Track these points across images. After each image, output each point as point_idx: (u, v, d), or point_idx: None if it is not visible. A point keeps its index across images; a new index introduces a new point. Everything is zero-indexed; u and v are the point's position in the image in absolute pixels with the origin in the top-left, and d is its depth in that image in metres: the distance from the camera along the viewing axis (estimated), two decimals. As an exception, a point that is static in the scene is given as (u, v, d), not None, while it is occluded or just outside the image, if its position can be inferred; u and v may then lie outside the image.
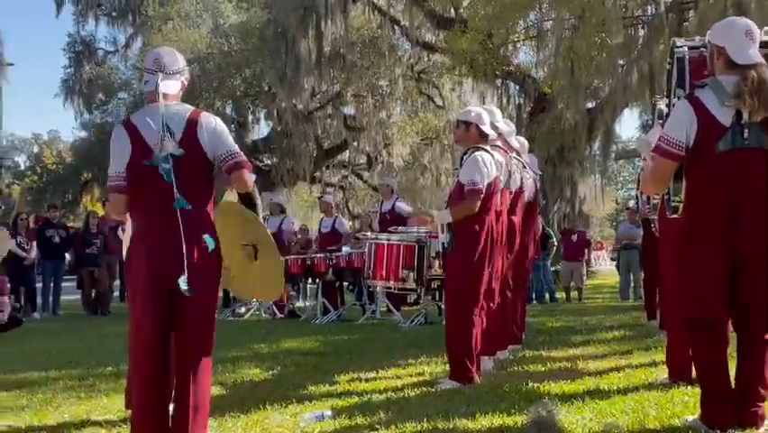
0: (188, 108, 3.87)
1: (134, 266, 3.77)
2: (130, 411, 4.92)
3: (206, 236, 3.74)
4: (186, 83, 3.99)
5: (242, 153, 3.89)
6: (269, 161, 26.98)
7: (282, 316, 12.56)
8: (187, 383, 3.68)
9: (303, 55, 20.02)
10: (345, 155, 28.63)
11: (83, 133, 30.55)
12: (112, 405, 5.46)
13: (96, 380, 6.60)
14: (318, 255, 12.07)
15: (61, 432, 4.71)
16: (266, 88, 24.15)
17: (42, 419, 5.10)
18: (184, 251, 3.62)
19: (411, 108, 26.11)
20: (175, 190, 3.66)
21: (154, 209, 3.74)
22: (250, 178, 3.92)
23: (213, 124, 3.84)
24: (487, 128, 5.92)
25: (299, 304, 14.14)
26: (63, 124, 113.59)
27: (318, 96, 24.91)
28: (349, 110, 25.61)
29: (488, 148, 5.88)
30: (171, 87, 3.88)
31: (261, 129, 27.56)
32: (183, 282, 3.60)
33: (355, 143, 26.49)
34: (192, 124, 3.78)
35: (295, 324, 11.60)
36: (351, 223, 21.87)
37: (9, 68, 25.56)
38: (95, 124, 29.10)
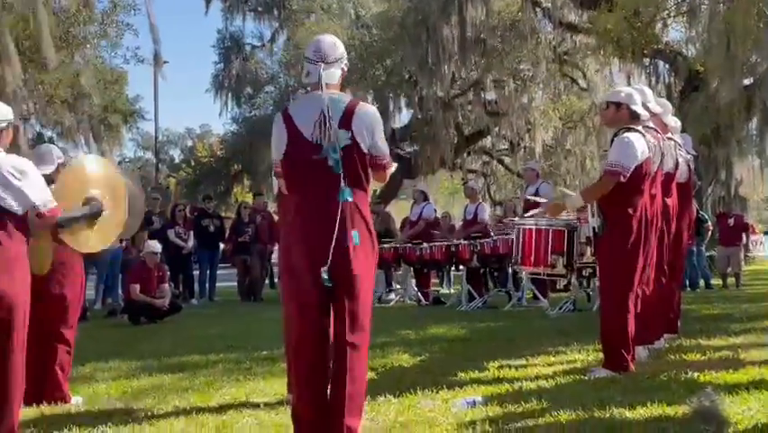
0: (347, 98, 3.90)
1: (294, 254, 3.83)
2: (289, 395, 5.11)
3: (354, 232, 3.76)
4: (345, 70, 4.02)
5: (387, 153, 3.92)
6: (409, 149, 27.12)
7: (427, 303, 12.63)
8: (344, 369, 3.74)
9: (444, 41, 20.00)
10: (486, 141, 28.40)
11: (233, 127, 31.73)
12: (269, 388, 5.65)
13: (252, 363, 6.85)
14: (462, 242, 12.03)
15: (224, 413, 4.89)
16: (407, 77, 24.27)
17: (206, 400, 5.34)
18: (347, 241, 3.66)
19: (554, 92, 25.56)
20: (341, 181, 3.70)
21: (314, 200, 3.78)
22: (387, 177, 3.99)
23: (369, 116, 3.85)
24: (638, 108, 5.72)
25: (444, 291, 14.17)
26: (214, 119, 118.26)
27: (459, 82, 24.79)
28: (490, 95, 25.35)
29: (639, 128, 5.68)
30: (332, 76, 3.92)
31: (402, 117, 27.74)
32: (325, 273, 3.66)
33: (496, 129, 26.20)
34: (349, 114, 3.80)
35: (440, 311, 11.63)
36: (493, 209, 21.65)
37: (165, 65, 26.79)
38: (243, 117, 30.15)
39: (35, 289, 4.16)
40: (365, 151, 3.82)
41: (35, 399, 5.19)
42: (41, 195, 4.10)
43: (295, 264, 3.82)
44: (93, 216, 4.71)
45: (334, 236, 3.69)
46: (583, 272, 9.46)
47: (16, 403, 3.96)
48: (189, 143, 49.73)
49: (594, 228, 5.81)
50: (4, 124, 4.14)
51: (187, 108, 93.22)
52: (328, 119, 3.76)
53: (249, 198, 23.94)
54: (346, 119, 3.79)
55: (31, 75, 18.49)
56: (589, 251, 8.46)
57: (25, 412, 4.77)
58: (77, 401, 5.49)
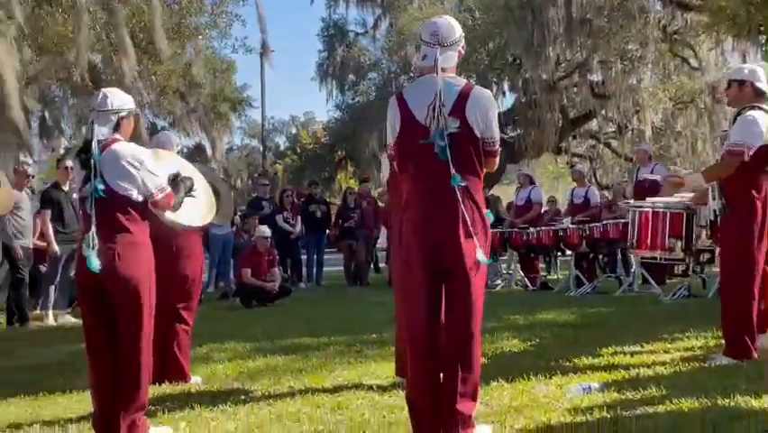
0: (462, 82, 3.84)
1: (406, 239, 3.82)
2: (398, 378, 5.15)
3: (486, 212, 3.75)
4: (463, 52, 3.97)
5: (498, 139, 3.87)
6: (513, 133, 26.79)
7: (534, 288, 12.49)
8: (458, 354, 3.72)
9: (549, 23, 19.64)
10: (593, 124, 27.75)
11: (336, 114, 32.03)
12: (381, 371, 5.71)
13: (362, 346, 6.93)
14: (571, 226, 11.82)
15: (338, 394, 4.97)
16: (510, 60, 23.96)
17: (320, 382, 5.44)
18: (460, 227, 3.65)
19: (663, 72, 24.74)
20: (451, 167, 3.67)
21: (425, 184, 3.76)
22: (496, 165, 3.95)
23: (482, 101, 3.79)
24: (763, 85, 5.47)
25: (551, 276, 13.98)
26: (317, 106, 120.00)
27: (564, 64, 24.31)
28: (596, 77, 24.75)
29: (764, 106, 5.44)
30: (449, 59, 3.87)
31: (505, 101, 27.41)
32: (480, 254, 3.64)
33: (603, 111, 25.57)
34: (463, 99, 3.75)
35: (548, 296, 11.48)
36: (601, 193, 21.16)
37: (271, 54, 27.31)
38: (347, 104, 30.38)
39: (158, 272, 4.30)
40: (478, 136, 3.76)
41: (158, 378, 5.39)
42: (157, 182, 4.22)
43: (407, 249, 3.81)
44: (189, 191, 4.81)
45: (451, 223, 3.67)
46: (702, 256, 9.13)
47: (146, 381, 4.12)
48: (294, 131, 50.46)
49: (715, 211, 5.61)
50: (124, 113, 4.27)
51: (291, 96, 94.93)
52: (440, 104, 3.72)
53: (353, 184, 24.17)
54: (458, 105, 3.74)
55: (144, 66, 19.13)
56: (704, 234, 8.18)
57: (150, 391, 4.96)
58: (196, 381, 5.68)
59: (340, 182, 33.78)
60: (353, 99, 30.25)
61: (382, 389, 5.08)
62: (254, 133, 45.39)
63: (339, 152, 32.36)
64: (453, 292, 3.74)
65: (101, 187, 4.02)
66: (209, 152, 25.15)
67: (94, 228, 4.03)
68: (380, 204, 16.18)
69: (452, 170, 3.67)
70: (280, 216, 14.54)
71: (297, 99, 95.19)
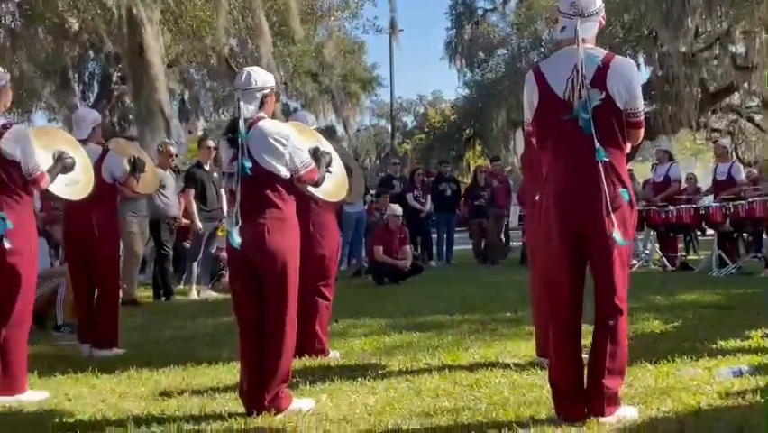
0: (602, 52, 3.71)
1: (545, 216, 3.75)
2: (537, 357, 5.10)
3: (623, 190, 3.64)
4: (603, 22, 3.85)
5: (642, 110, 3.72)
6: (648, 108, 25.88)
7: (673, 268, 12.05)
8: (606, 331, 3.64)
9: (690, -8, 18.80)
10: (734, 98, 26.47)
11: (465, 92, 31.82)
12: (517, 349, 5.67)
13: (497, 325, 6.89)
14: (714, 204, 11.33)
15: (475, 372, 4.96)
16: (646, 33, 23.13)
17: (455, 359, 5.44)
18: (603, 203, 3.55)
19: (811, 42, 23.30)
20: (595, 141, 3.57)
21: (566, 159, 3.67)
22: (640, 137, 3.81)
23: (625, 70, 3.66)
24: None
25: (691, 256, 13.47)
26: (445, 85, 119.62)
27: (703, 36, 23.26)
28: (738, 48, 23.55)
29: None
30: (589, 29, 3.75)
31: (641, 75, 26.49)
32: (616, 234, 3.54)
33: (746, 85, 24.32)
34: (604, 69, 3.63)
35: (688, 276, 11.06)
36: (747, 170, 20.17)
37: (399, 33, 27.36)
38: (475, 82, 30.13)
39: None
40: (620, 108, 3.64)
41: (299, 352, 5.51)
42: (303, 158, 4.30)
43: (547, 226, 3.74)
44: (328, 166, 4.87)
45: (594, 199, 3.57)
46: None
47: (290, 355, 4.22)
48: (421, 110, 50.47)
49: None
50: (267, 90, 4.36)
51: (419, 76, 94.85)
52: (581, 76, 3.61)
53: (481, 163, 24.00)
54: (600, 76, 3.62)
55: (278, 48, 19.55)
56: None
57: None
58: (335, 355, 5.80)
59: (468, 160, 33.59)
60: (482, 77, 29.98)
61: (520, 367, 5.04)
62: (382, 113, 45.70)
63: (467, 131, 32.19)
64: (597, 269, 3.65)
65: (248, 165, 4.12)
66: (340, 132, 25.54)
67: (238, 206, 4.14)
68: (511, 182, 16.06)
69: (597, 144, 3.57)
70: (411, 194, 14.60)
71: (424, 79, 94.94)
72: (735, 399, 3.97)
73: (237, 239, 4.06)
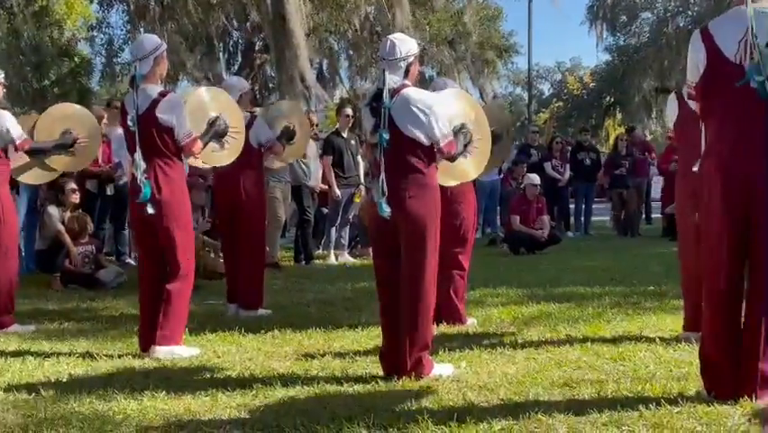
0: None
1: (708, 186, 3.57)
2: (684, 333, 4.93)
3: None
4: None
5: None
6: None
7: None
8: (761, 307, 3.45)
9: None
10: None
11: (605, 58, 30.90)
12: (662, 324, 5.52)
13: (640, 298, 6.71)
14: None
15: (618, 345, 4.85)
16: None
17: (597, 331, 5.34)
18: (759, 174, 3.35)
19: None
20: None
21: (736, 126, 3.47)
22: None
23: None
24: None
25: None
26: (584, 51, 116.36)
27: None
28: None
29: None
30: None
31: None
32: None
33: None
34: None
35: None
36: None
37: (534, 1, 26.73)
38: (617, 47, 29.19)
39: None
40: None
41: (436, 318, 5.53)
42: (443, 130, 4.27)
43: (709, 197, 3.55)
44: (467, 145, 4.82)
45: (759, 166, 3.36)
46: None
47: (429, 320, 4.25)
48: (558, 77, 49.37)
49: None
50: (411, 58, 4.35)
51: (558, 42, 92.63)
52: (752, 36, 3.38)
53: (621, 131, 23.27)
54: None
55: (416, 17, 19.52)
56: None
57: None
58: (472, 322, 5.80)
59: (607, 129, 32.69)
60: (624, 41, 28.99)
61: (665, 342, 4.90)
62: (518, 81, 44.97)
63: (607, 98, 31.30)
64: (761, 245, 3.43)
65: (386, 137, 4.14)
66: (478, 100, 25.29)
67: (383, 175, 4.17)
68: (653, 152, 15.49)
69: None
70: (549, 163, 14.34)
71: (563, 45, 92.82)
72: None
73: (386, 210, 4.09)
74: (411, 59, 4.34)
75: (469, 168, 5.23)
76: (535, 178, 11.70)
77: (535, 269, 9.24)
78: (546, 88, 49.80)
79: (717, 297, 3.55)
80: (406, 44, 4.34)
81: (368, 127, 4.40)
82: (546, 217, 11.69)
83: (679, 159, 5.55)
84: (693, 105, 3.77)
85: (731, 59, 3.45)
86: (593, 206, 15.36)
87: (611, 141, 20.29)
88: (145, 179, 4.88)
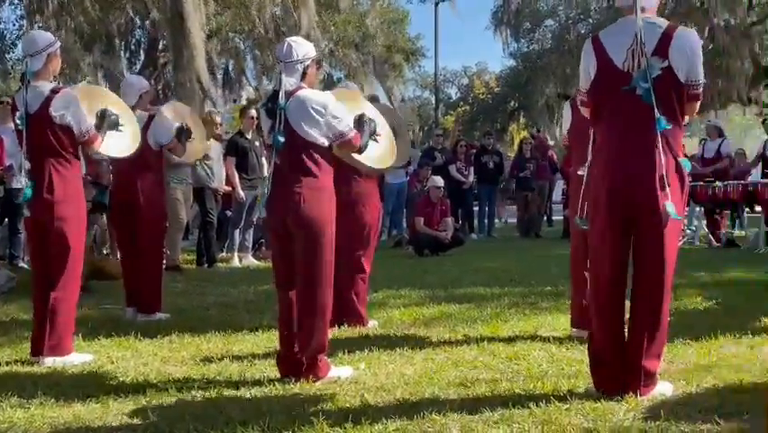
0: (664, 22, 3.62)
1: (594, 187, 3.70)
2: (575, 330, 5.07)
3: (683, 159, 3.57)
4: None
5: (702, 84, 3.62)
6: (698, 83, 25.34)
7: (719, 244, 11.88)
8: (646, 310, 3.59)
9: (744, -37, 18.36)
10: (787, 73, 25.81)
11: (510, 63, 31.49)
12: (557, 323, 5.64)
13: (537, 298, 6.87)
14: (763, 181, 11.11)
15: (513, 344, 4.95)
16: (697, 4, 22.63)
17: (494, 331, 5.44)
18: (656, 176, 3.49)
19: None
20: (655, 110, 3.48)
21: (622, 131, 3.60)
22: (696, 110, 3.72)
23: (689, 41, 3.56)
24: None
25: (738, 233, 13.25)
26: (490, 56, 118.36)
27: (756, 8, 22.70)
28: (794, 22, 22.95)
29: None
30: (649, 0, 3.66)
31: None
32: (670, 207, 3.48)
33: (800, 59, 23.71)
34: (667, 39, 3.53)
35: (734, 253, 10.89)
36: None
37: (444, 3, 27.06)
38: (521, 53, 29.79)
39: (337, 218, 4.39)
40: (682, 79, 3.54)
41: (337, 320, 5.55)
42: (343, 125, 4.30)
43: (595, 198, 3.69)
44: (372, 134, 4.84)
45: (642, 169, 3.51)
46: None
47: (327, 322, 4.25)
48: (465, 82, 50.02)
49: None
50: (308, 62, 4.35)
51: (464, 47, 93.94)
52: (640, 45, 3.52)
53: (525, 135, 23.80)
54: (662, 46, 3.52)
55: (322, 18, 19.48)
56: None
57: (330, 332, 5.13)
58: (373, 324, 5.82)
59: (512, 133, 33.32)
60: (528, 47, 29.62)
61: (559, 341, 5.03)
62: (426, 84, 45.37)
63: (512, 103, 31.90)
64: (645, 245, 3.59)
65: (281, 139, 4.15)
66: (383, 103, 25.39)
67: (270, 175, 4.22)
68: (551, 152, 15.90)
69: (657, 114, 3.48)
70: (453, 166, 14.53)
71: (469, 50, 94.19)
72: (778, 377, 3.91)
73: (264, 211, 4.18)
74: (308, 62, 4.34)
75: (383, 153, 5.27)
76: (439, 180, 11.84)
77: (438, 270, 9.35)
78: (453, 92, 50.35)
79: (603, 295, 3.67)
80: (303, 47, 4.34)
81: (265, 129, 4.39)
82: (450, 219, 11.84)
83: (572, 162, 5.70)
84: (585, 111, 3.89)
85: (620, 67, 3.59)
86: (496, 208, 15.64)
87: (516, 144, 20.76)
88: (29, 179, 4.73)
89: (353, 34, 21.14)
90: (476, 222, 15.30)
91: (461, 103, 42.79)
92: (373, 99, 7.79)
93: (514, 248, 12.52)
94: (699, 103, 3.68)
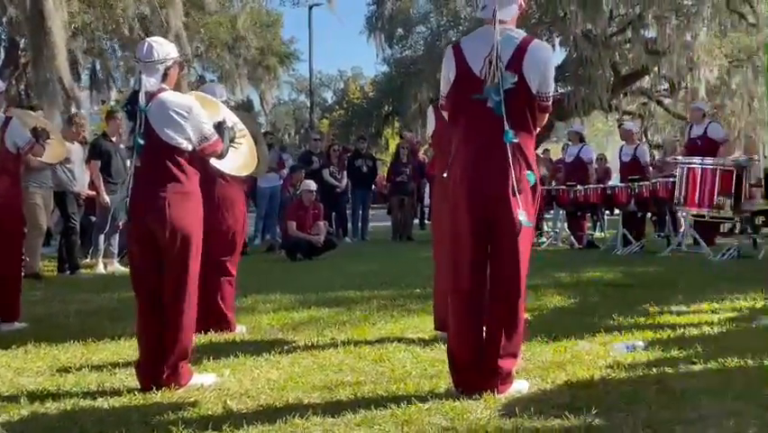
0: (521, 34, 3.75)
1: (452, 193, 3.78)
2: (439, 332, 5.17)
3: (528, 173, 3.70)
4: (524, 5, 3.86)
5: (552, 96, 3.78)
6: (563, 90, 26.35)
7: (581, 246, 12.38)
8: (501, 311, 3.71)
9: (605, -24, 19.20)
10: (645, 81, 27.15)
11: (384, 68, 31.78)
12: (423, 325, 5.72)
13: (406, 300, 6.96)
14: (620, 185, 11.65)
15: (380, 347, 5.00)
16: (561, 14, 23.48)
17: (362, 334, 5.47)
18: (509, 184, 3.61)
19: (719, 28, 24.06)
20: (505, 123, 3.61)
21: (476, 138, 3.71)
22: (544, 120, 3.88)
23: (541, 54, 3.71)
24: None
25: (598, 234, 13.85)
26: (366, 61, 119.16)
27: (617, 19, 23.76)
28: (650, 33, 24.14)
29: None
30: (508, 11, 3.78)
31: (556, 57, 26.91)
32: (522, 215, 3.60)
33: (656, 69, 24.98)
34: (521, 52, 3.66)
35: (594, 254, 11.38)
36: (652, 152, 20.75)
37: (318, 7, 27.09)
38: (395, 59, 30.10)
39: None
40: (533, 92, 3.69)
41: (204, 327, 5.47)
42: (205, 130, 4.24)
43: (453, 203, 3.78)
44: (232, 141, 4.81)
45: (495, 177, 3.63)
46: (756, 220, 8.97)
47: (190, 329, 4.17)
48: (341, 86, 50.27)
49: (766, 169, 5.47)
50: (170, 62, 4.27)
51: (340, 51, 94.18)
52: (497, 57, 3.65)
53: (399, 140, 24.07)
54: (516, 59, 3.66)
55: (193, 18, 19.12)
56: (759, 194, 8.00)
57: (195, 339, 5.04)
58: (241, 330, 5.76)
59: (386, 137, 33.65)
60: (401, 53, 29.95)
61: (424, 342, 5.11)
62: (302, 88, 45.37)
63: (386, 108, 32.18)
64: (499, 249, 3.71)
65: (141, 142, 4.07)
66: (258, 106, 25.21)
67: (130, 179, 4.15)
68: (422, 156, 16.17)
69: (506, 126, 3.61)
70: (327, 170, 14.56)
71: (345, 54, 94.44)
72: (627, 372, 4.11)
73: (124, 216, 4.07)
74: (170, 62, 4.26)
75: (244, 160, 5.22)
76: (311, 184, 11.83)
77: (311, 274, 9.34)
78: (329, 96, 50.54)
79: (462, 296, 3.77)
80: (164, 47, 4.26)
81: (126, 131, 4.29)
82: (322, 223, 11.85)
83: (436, 168, 5.82)
84: (446, 115, 3.99)
85: (477, 75, 3.70)
86: (370, 212, 15.75)
87: (391, 149, 20.98)
88: None
89: (225, 36, 20.85)
90: (350, 226, 15.36)
91: (337, 107, 42.92)
92: (247, 104, 7.71)
93: (387, 251, 12.66)
94: (547, 114, 3.84)
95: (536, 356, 4.57)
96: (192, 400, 3.85)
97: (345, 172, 14.92)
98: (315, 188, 11.78)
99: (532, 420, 3.31)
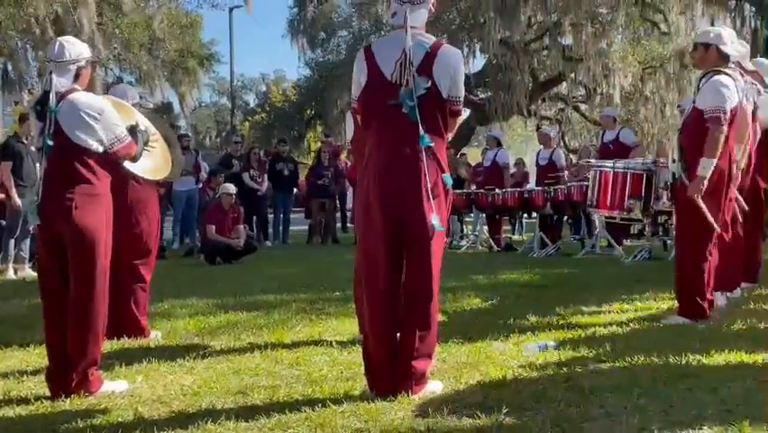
0: (431, 39, 3.78)
1: (366, 197, 3.80)
2: (359, 335, 5.17)
3: (444, 175, 3.75)
4: (433, 9, 3.89)
5: (462, 100, 3.84)
6: (483, 95, 26.72)
7: (499, 249, 12.58)
8: (415, 314, 3.74)
9: (523, -17, 19.56)
10: (562, 87, 27.76)
11: (306, 72, 31.71)
12: (341, 328, 5.74)
13: (325, 304, 6.95)
14: (536, 188, 11.89)
15: (298, 350, 4.98)
16: (482, 21, 23.82)
17: (280, 338, 5.44)
18: (423, 188, 3.65)
19: (633, 36, 24.78)
20: (420, 127, 3.64)
21: (389, 142, 3.73)
22: (456, 125, 3.95)
23: (451, 59, 3.75)
24: (728, 48, 5.48)
25: (516, 238, 14.09)
26: (288, 64, 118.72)
27: (535, 26, 24.24)
28: (567, 40, 24.70)
29: (728, 71, 5.46)
30: (419, 17, 3.80)
31: (476, 62, 27.27)
32: (435, 220, 3.65)
33: (572, 75, 25.56)
34: (431, 57, 3.70)
35: (512, 257, 11.58)
36: (568, 156, 21.22)
37: (239, 9, 26.80)
38: (317, 62, 30.07)
39: (113, 227, 4.24)
40: (445, 96, 3.73)
41: (116, 332, 5.36)
42: (117, 132, 4.17)
43: (368, 207, 3.80)
44: (145, 144, 4.74)
45: (409, 181, 3.67)
46: (659, 219, 9.27)
47: (100, 335, 4.08)
48: (263, 89, 49.89)
49: (674, 173, 5.64)
50: (82, 63, 4.18)
51: (262, 54, 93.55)
52: (408, 62, 3.67)
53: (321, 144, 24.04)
54: (427, 63, 3.70)
55: (108, 18, 18.70)
56: (666, 196, 8.27)
57: (107, 345, 4.95)
58: (155, 336, 5.66)
59: (309, 141, 33.57)
60: (323, 57, 29.95)
61: (342, 345, 5.11)
62: (223, 90, 44.90)
63: (308, 111, 32.11)
64: (413, 253, 3.75)
65: (50, 143, 3.98)
66: (177, 108, 24.84)
67: (40, 180, 4.04)
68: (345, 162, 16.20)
69: (421, 131, 3.65)
70: (247, 173, 14.44)
71: (268, 57, 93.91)
72: (538, 371, 4.19)
73: (36, 218, 3.96)
74: (82, 62, 4.17)
75: (158, 164, 5.14)
76: (231, 187, 11.71)
77: (230, 278, 9.24)
78: (251, 99, 50.10)
79: (377, 297, 3.79)
80: (76, 47, 4.17)
81: (35, 132, 4.18)
82: (242, 226, 11.74)
83: (356, 172, 5.84)
84: (359, 119, 4.01)
85: (388, 79, 3.72)
86: (291, 216, 15.68)
87: (312, 152, 20.92)
88: None
89: (142, 37, 20.46)
90: (270, 229, 15.27)
91: (259, 110, 42.57)
92: (166, 107, 7.58)
93: (307, 255, 12.63)
94: (458, 118, 3.89)
95: (452, 357, 4.62)
96: (102, 407, 3.77)
97: (266, 176, 14.82)
98: (234, 192, 11.65)
99: (445, 420, 3.35)
